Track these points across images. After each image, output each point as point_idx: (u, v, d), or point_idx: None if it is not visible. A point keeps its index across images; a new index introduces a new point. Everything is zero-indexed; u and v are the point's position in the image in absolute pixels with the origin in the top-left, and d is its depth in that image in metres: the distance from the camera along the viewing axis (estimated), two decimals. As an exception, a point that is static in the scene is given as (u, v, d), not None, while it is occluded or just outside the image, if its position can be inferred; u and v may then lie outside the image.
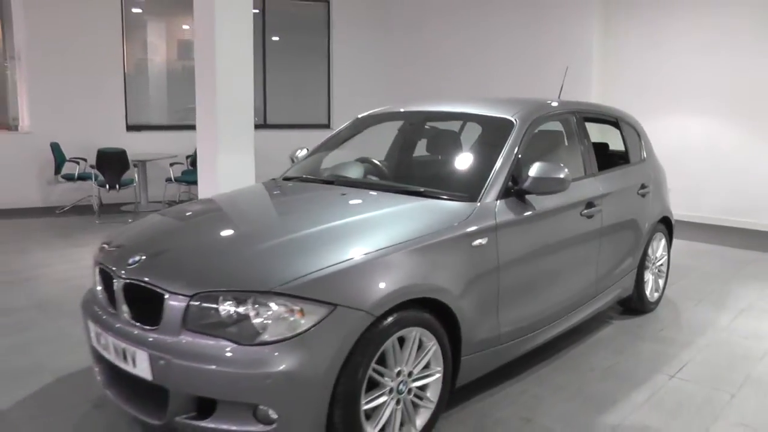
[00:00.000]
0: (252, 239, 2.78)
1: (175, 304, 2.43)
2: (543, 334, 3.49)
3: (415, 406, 2.74)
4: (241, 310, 2.36)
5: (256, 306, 2.35)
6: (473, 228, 2.96)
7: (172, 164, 8.49)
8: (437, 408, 2.81)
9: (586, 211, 3.72)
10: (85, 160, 8.32)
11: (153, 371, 2.46)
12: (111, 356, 2.67)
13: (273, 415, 2.33)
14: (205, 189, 6.04)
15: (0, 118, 9.09)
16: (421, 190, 3.27)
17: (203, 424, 2.42)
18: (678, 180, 5.24)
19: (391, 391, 2.59)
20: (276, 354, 2.30)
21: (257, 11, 9.98)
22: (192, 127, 9.51)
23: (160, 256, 2.74)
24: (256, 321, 2.34)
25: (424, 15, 10.54)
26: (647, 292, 4.56)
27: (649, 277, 4.57)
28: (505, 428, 2.98)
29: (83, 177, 8.20)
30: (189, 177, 8.55)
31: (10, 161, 8.55)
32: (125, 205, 8.82)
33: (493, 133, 3.58)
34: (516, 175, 3.31)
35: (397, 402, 2.63)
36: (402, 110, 4.28)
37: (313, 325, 2.33)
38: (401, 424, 2.67)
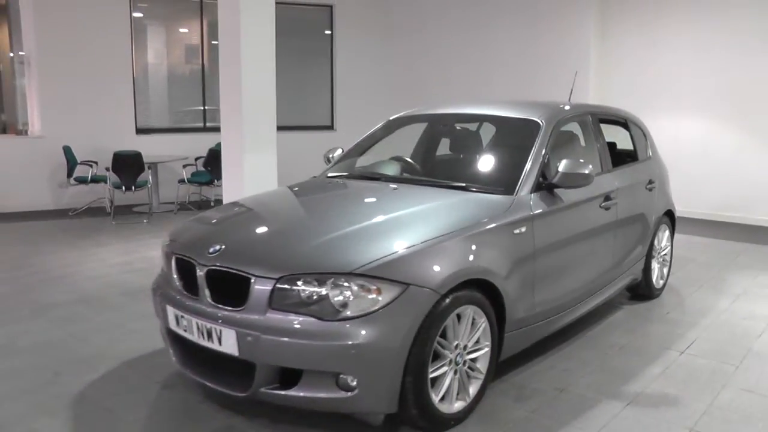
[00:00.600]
0: (323, 228, 3.09)
1: (261, 286, 2.73)
2: (569, 315, 3.85)
3: (468, 376, 3.06)
4: (324, 290, 2.67)
5: (339, 286, 2.66)
6: (514, 218, 3.31)
7: (185, 166, 8.73)
8: (486, 379, 3.14)
9: (604, 203, 4.09)
10: (96, 163, 8.52)
11: (240, 347, 2.75)
12: (193, 337, 2.96)
13: (353, 382, 2.65)
14: (230, 188, 6.31)
15: (10, 123, 9.26)
16: (463, 185, 3.61)
17: (289, 393, 2.73)
18: (673, 177, 5.62)
19: (450, 362, 2.92)
20: (359, 328, 2.62)
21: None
22: (199, 129, 9.93)
23: (239, 245, 3.03)
24: (339, 299, 2.66)
25: (424, 19, 10.88)
26: (654, 279, 4.95)
27: (655, 265, 4.96)
28: (543, 398, 3.33)
29: (96, 180, 8.40)
30: (201, 178, 8.81)
31: (23, 165, 8.72)
32: (137, 207, 9.04)
33: (522, 133, 3.93)
34: (544, 171, 3.66)
35: (455, 372, 2.96)
36: (432, 112, 4.62)
37: (390, 302, 2.65)
38: (457, 393, 3.00)
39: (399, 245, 2.84)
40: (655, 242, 4.91)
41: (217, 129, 9.79)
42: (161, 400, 3.33)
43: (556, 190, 3.66)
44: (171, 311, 3.09)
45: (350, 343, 2.61)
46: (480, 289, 3.03)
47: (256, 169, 6.26)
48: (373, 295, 2.66)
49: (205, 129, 9.97)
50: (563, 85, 9.14)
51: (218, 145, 9.15)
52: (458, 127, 4.57)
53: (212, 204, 9.35)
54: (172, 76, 10.22)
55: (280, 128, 10.44)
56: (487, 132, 4.38)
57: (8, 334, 4.26)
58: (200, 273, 2.94)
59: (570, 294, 3.81)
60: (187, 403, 3.26)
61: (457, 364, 2.96)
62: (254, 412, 3.11)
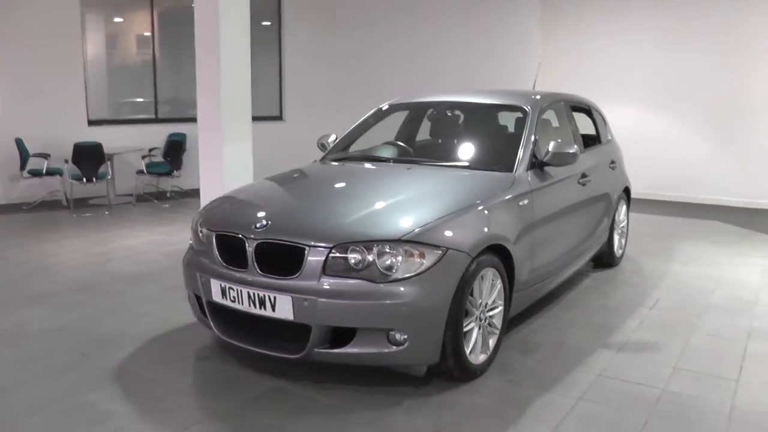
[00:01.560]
0: (361, 203, 3.40)
1: (315, 255, 3.01)
2: (558, 278, 4.33)
3: (488, 332, 3.45)
4: (374, 255, 2.98)
5: (388, 252, 2.98)
6: (519, 191, 3.73)
7: (144, 156, 8.68)
8: (500, 334, 3.54)
9: (581, 180, 4.59)
10: (49, 155, 8.32)
11: (295, 312, 3.02)
12: (243, 306, 3.19)
13: (403, 337, 2.97)
14: (209, 178, 6.43)
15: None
16: (467, 164, 4.00)
17: (343, 350, 3.02)
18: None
19: (476, 318, 3.30)
20: (408, 288, 2.95)
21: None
22: (151, 121, 9.83)
23: (285, 220, 3.29)
24: (388, 263, 2.97)
25: (372, 10, 11.18)
26: (615, 249, 5.53)
27: (615, 236, 5.54)
28: (546, 350, 3.77)
29: (51, 172, 8.23)
30: (160, 169, 8.77)
31: (-32, 158, 8.40)
32: (93, 199, 8.89)
33: (512, 118, 4.35)
34: (534, 151, 4.10)
35: (479, 328, 3.34)
36: (422, 100, 4.98)
37: (432, 265, 3.00)
38: (481, 346, 3.38)
39: (433, 215, 3.19)
40: (616, 216, 5.49)
41: (169, 120, 9.89)
42: (201, 369, 3.54)
43: (546, 168, 4.11)
44: (216, 284, 3.29)
45: (401, 301, 2.94)
46: (496, 254, 3.42)
47: (234, 159, 6.42)
48: (418, 259, 2.99)
49: (157, 120, 9.89)
50: (509, 75, 9.80)
51: (177, 135, 9.19)
52: (449, 114, 4.94)
53: (169, 195, 9.34)
54: (123, 66, 10.07)
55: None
56: (475, 117, 4.78)
57: (14, 322, 4.29)
58: (249, 247, 3.18)
59: (559, 259, 4.28)
60: (227, 371, 3.48)
61: (480, 320, 3.34)
62: (294, 375, 3.37)
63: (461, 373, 3.25)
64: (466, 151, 4.36)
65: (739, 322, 4.26)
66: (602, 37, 9.31)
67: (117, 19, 9.96)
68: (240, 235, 3.23)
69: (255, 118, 11.01)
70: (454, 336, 3.11)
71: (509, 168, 3.92)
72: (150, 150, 9.16)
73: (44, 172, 8.16)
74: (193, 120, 9.88)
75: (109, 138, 9.15)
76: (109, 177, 8.28)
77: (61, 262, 5.80)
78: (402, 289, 2.95)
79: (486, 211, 3.41)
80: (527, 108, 4.34)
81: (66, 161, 8.06)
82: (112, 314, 4.42)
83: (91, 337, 4.01)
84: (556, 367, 3.54)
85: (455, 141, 4.55)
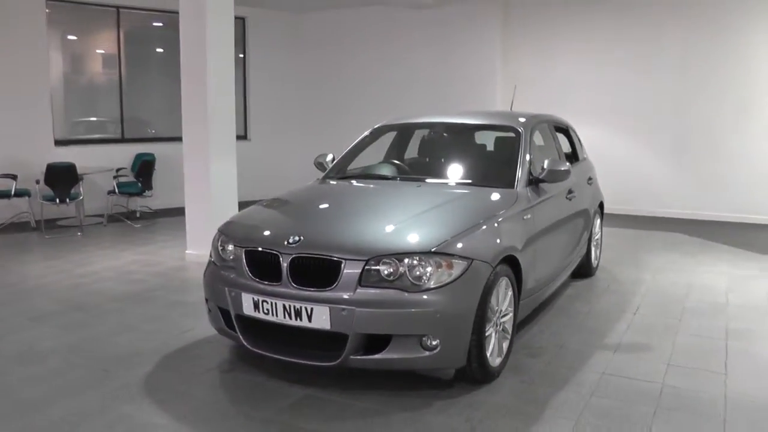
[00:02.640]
0: (386, 218, 3.61)
1: (351, 268, 3.20)
2: (552, 286, 4.64)
3: (502, 337, 3.70)
4: (406, 267, 3.19)
5: (420, 263, 3.20)
6: (523, 206, 4.02)
7: (115, 176, 8.60)
8: (511, 339, 3.80)
9: (568, 195, 4.93)
10: (17, 176, 8.13)
11: (332, 321, 3.19)
12: (277, 318, 3.33)
13: (435, 342, 3.19)
14: (195, 195, 6.52)
15: None
16: (470, 181, 4.27)
17: (379, 356, 3.21)
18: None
19: (494, 324, 3.54)
20: (439, 297, 3.17)
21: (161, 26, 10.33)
22: (117, 140, 9.74)
23: (317, 235, 3.46)
24: (419, 274, 3.19)
25: (337, 33, 11.43)
26: (592, 260, 5.91)
27: (592, 248, 5.92)
28: (550, 353, 4.04)
29: (20, 193, 8.05)
30: (131, 189, 8.71)
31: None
32: (61, 220, 8.72)
33: (506, 138, 4.67)
34: (530, 168, 4.41)
35: (495, 333, 3.58)
36: (416, 121, 5.24)
37: (460, 275, 3.23)
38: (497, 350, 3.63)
39: (456, 228, 3.44)
40: (593, 228, 5.88)
41: (135, 140, 9.83)
42: (229, 381, 3.64)
43: (540, 185, 4.43)
44: (248, 298, 3.42)
45: (434, 309, 3.16)
46: (507, 264, 3.69)
47: (220, 177, 6.53)
48: (447, 270, 3.22)
49: (123, 140, 9.80)
50: (472, 95, 10.21)
51: (147, 155, 9.14)
52: (445, 134, 5.21)
53: (138, 215, 9.26)
54: (89, 85, 9.96)
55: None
56: (469, 138, 5.08)
57: (22, 341, 4.27)
58: (284, 261, 3.33)
59: (554, 269, 4.59)
60: (255, 381, 3.60)
61: (496, 326, 3.59)
62: (322, 383, 3.52)
63: (482, 375, 3.48)
64: (467, 169, 4.63)
65: (716, 323, 4.66)
66: (564, 57, 9.84)
67: (83, 38, 9.86)
68: (274, 251, 3.38)
69: None
70: (478, 341, 3.34)
71: (510, 185, 4.21)
72: (117, 170, 9.07)
73: (13, 193, 7.97)
74: (161, 140, 10.07)
75: (75, 158, 8.98)
76: (81, 198, 8.16)
77: (49, 283, 5.73)
78: (434, 297, 3.17)
79: (500, 225, 3.68)
80: (520, 129, 4.65)
81: (37, 182, 7.91)
82: (120, 333, 4.45)
83: (106, 354, 4.05)
84: (562, 367, 3.82)
85: (453, 160, 4.81)
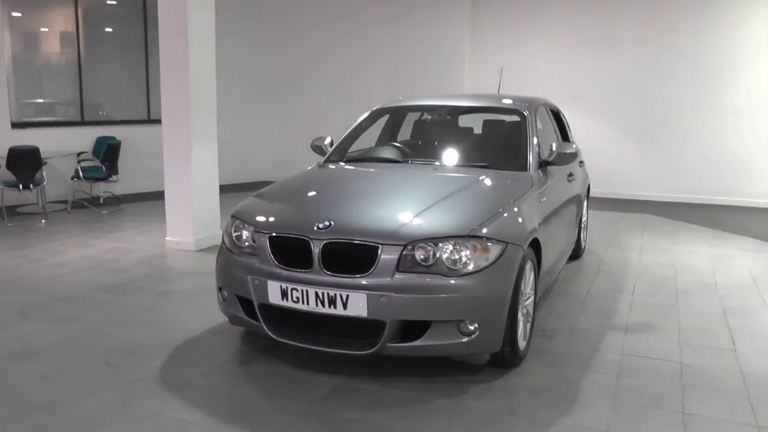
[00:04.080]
0: (415, 201, 3.54)
1: (389, 253, 3.12)
2: (557, 269, 4.67)
3: (526, 320, 3.70)
4: (445, 251, 3.13)
5: (459, 247, 3.14)
6: (540, 189, 4.02)
7: (80, 161, 8.16)
8: (532, 322, 3.81)
9: (569, 178, 4.97)
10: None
11: (369, 309, 3.11)
12: (308, 306, 3.22)
13: (473, 327, 3.15)
14: (177, 178, 6.26)
15: None
16: (483, 164, 4.23)
17: (417, 343, 3.15)
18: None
19: (521, 307, 3.53)
20: (478, 281, 3.13)
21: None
22: (77, 123, 9.24)
23: (348, 219, 3.35)
24: (460, 257, 3.14)
25: (302, 18, 11.17)
26: (581, 241, 6.01)
27: (581, 230, 6.01)
28: (564, 335, 4.08)
29: (-23, 179, 7.54)
30: (96, 174, 8.29)
31: None
32: (22, 207, 8.23)
33: (511, 121, 4.65)
34: (539, 151, 4.41)
35: (522, 316, 3.57)
36: (420, 104, 5.16)
37: (497, 258, 3.20)
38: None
39: (488, 212, 3.40)
40: (582, 211, 5.97)
41: (96, 122, 9.35)
42: (252, 373, 3.50)
43: (548, 167, 4.44)
44: (274, 286, 3.29)
45: (473, 294, 3.12)
46: (531, 246, 3.69)
47: (202, 160, 6.31)
48: (485, 253, 3.18)
49: (83, 122, 9.31)
50: (439, 78, 10.18)
51: (111, 139, 8.72)
52: (449, 117, 5.14)
53: (102, 201, 8.83)
54: (46, 66, 9.42)
55: (149, 122, 10.13)
56: (474, 120, 5.04)
57: (14, 337, 4.01)
58: (315, 248, 3.21)
59: (560, 251, 4.63)
60: (279, 372, 3.48)
61: (522, 309, 3.59)
62: (351, 372, 3.44)
63: (513, 359, 3.47)
64: (476, 152, 4.58)
65: (711, 301, 4.81)
66: (531, 42, 9.94)
67: (38, 16, 9.27)
68: (304, 237, 3.26)
69: None
70: (512, 324, 3.33)
71: (523, 167, 4.20)
72: (79, 154, 8.61)
73: (-31, 179, 7.47)
74: (124, 122, 9.60)
75: (34, 142, 8.49)
76: (45, 183, 7.70)
77: (24, 275, 5.39)
78: (473, 282, 3.13)
79: (525, 207, 3.66)
80: (525, 112, 4.65)
81: (-2, 167, 7.43)
82: (117, 325, 4.23)
83: (109, 348, 3.83)
84: (581, 349, 3.85)
85: (460, 143, 4.76)
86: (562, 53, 9.76)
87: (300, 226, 3.34)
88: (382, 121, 5.28)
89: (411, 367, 3.48)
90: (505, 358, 3.43)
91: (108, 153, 8.26)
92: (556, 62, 9.81)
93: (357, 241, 3.18)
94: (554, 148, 4.36)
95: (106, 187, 8.94)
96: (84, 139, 9.03)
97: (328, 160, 4.73)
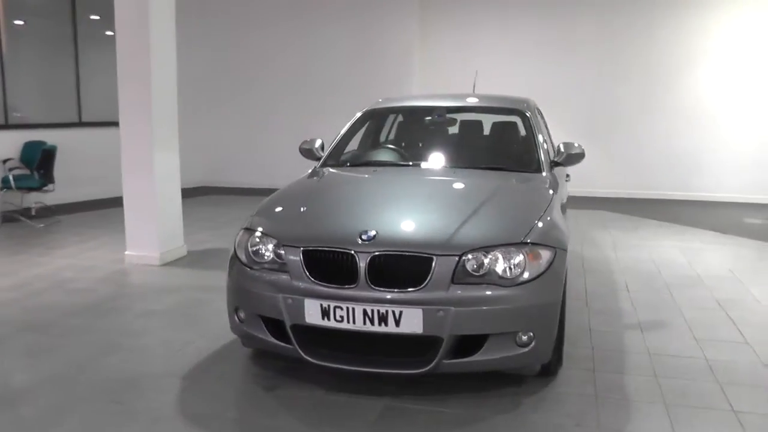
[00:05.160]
0: (451, 207, 3.38)
1: (444, 264, 2.92)
2: (564, 270, 4.65)
3: (559, 325, 3.61)
4: (500, 259, 2.98)
5: (513, 255, 2.99)
6: (557, 191, 3.94)
7: (9, 169, 7.37)
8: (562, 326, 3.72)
9: (567, 178, 4.96)
10: None
11: (426, 325, 2.90)
12: (353, 325, 2.96)
13: (529, 338, 3.01)
14: (138, 186, 5.78)
15: None
16: (499, 167, 4.12)
17: (474, 358, 2.97)
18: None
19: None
20: (535, 289, 2.99)
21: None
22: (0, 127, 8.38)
23: (393, 229, 3.12)
24: (514, 266, 2.99)
25: (252, 16, 10.72)
26: (563, 240, 6.04)
27: (562, 228, 6.04)
28: (583, 337, 4.02)
29: None
30: (30, 183, 7.52)
31: None
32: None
33: (513, 121, 4.57)
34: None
35: (560, 321, 3.48)
36: (417, 104, 4.99)
37: (549, 265, 3.07)
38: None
39: (531, 217, 3.27)
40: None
41: (21, 126, 8.52)
42: (287, 401, 3.18)
43: (556, 168, 4.39)
44: (313, 305, 3.01)
45: (531, 303, 2.98)
46: None
47: (164, 167, 5.84)
48: (538, 260, 3.05)
49: (7, 126, 8.43)
50: (391, 83, 10.07)
51: (45, 144, 7.95)
52: (437, 118, 4.95)
53: (34, 213, 8.03)
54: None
55: (80, 125, 9.38)
56: (476, 122, 4.93)
57: (-12, 376, 3.48)
58: (361, 261, 2.96)
59: None
60: (319, 398, 3.19)
61: (560, 310, 3.49)
62: (392, 392, 3.21)
63: (557, 368, 3.37)
64: (485, 154, 4.46)
65: (703, 294, 4.94)
66: (485, 44, 10.01)
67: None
68: (348, 250, 3.00)
69: (109, 123, 10.11)
70: (560, 332, 3.23)
71: (537, 169, 4.12)
72: (5, 161, 7.80)
73: None
74: (55, 126, 8.78)
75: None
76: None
77: (-26, 300, 4.76)
78: (529, 290, 2.99)
79: (556, 211, 3.56)
80: (527, 112, 4.57)
81: None
82: (104, 354, 3.77)
83: (104, 381, 3.40)
84: (608, 351, 3.80)
85: (466, 144, 4.63)
86: (516, 54, 9.88)
87: (341, 239, 3.08)
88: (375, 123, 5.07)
89: (449, 383, 3.29)
90: (551, 366, 3.32)
91: (43, 160, 7.52)
92: (506, 62, 9.91)
93: (409, 253, 2.96)
94: (562, 149, 4.31)
95: (37, 198, 8.14)
96: (8, 144, 8.19)
97: (326, 164, 4.46)
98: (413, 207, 3.47)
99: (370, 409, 3.07)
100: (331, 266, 3.04)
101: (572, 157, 4.29)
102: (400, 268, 2.97)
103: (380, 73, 10.14)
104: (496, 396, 3.20)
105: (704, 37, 9.30)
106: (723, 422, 2.99)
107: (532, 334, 3.01)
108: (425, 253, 2.94)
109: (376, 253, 2.97)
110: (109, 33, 10.01)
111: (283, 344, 3.19)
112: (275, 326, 3.22)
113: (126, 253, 5.90)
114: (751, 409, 3.11)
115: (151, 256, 5.78)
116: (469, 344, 2.99)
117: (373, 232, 3.05)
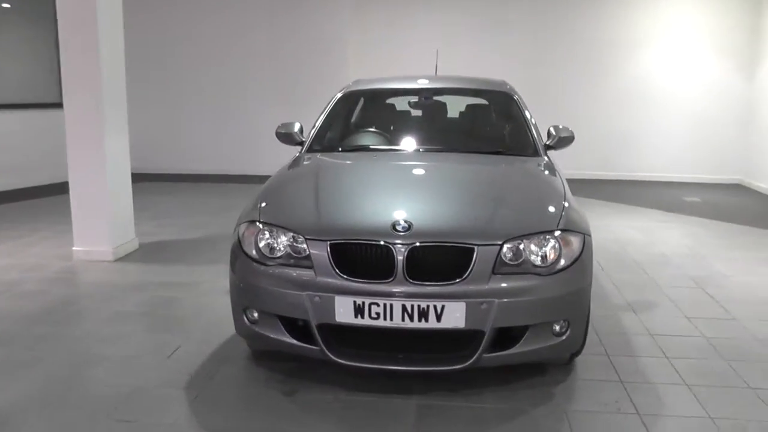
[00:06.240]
0: (477, 194, 3.30)
1: (485, 255, 2.80)
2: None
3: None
4: (538, 247, 2.90)
5: (549, 242, 2.92)
6: (563, 174, 3.90)
7: None
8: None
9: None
10: None
11: (468, 318, 2.77)
12: (390, 322, 2.79)
13: (564, 327, 2.95)
14: (88, 174, 5.26)
15: None
16: (498, 150, 4.03)
17: (514, 351, 2.88)
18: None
19: (587, 299, 3.40)
20: (572, 276, 2.94)
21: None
22: None
23: (428, 218, 2.97)
24: (550, 253, 2.91)
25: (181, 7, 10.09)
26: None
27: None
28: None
29: None
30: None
31: None
32: None
33: (504, 104, 4.50)
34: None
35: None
36: (399, 86, 4.79)
37: (581, 251, 3.02)
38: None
39: (555, 201, 3.21)
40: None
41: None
42: (313, 406, 2.96)
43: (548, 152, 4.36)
44: (346, 302, 2.80)
45: (571, 290, 2.92)
46: None
47: (115, 151, 5.37)
48: (570, 247, 2.99)
49: None
50: (328, 71, 9.81)
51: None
52: (429, 100, 4.79)
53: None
54: None
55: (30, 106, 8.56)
56: (459, 103, 4.79)
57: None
58: (398, 254, 2.78)
59: None
60: (345, 401, 3.00)
61: (577, 301, 3.46)
62: (418, 390, 3.07)
63: (577, 355, 3.34)
64: (481, 138, 4.35)
65: (676, 273, 5.11)
66: (420, 29, 9.92)
67: None
68: (384, 243, 2.80)
69: (23, 105, 9.22)
70: (588, 318, 3.19)
71: (535, 152, 4.07)
72: None
73: None
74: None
75: None
76: None
77: None
78: (566, 278, 2.93)
79: (570, 195, 3.52)
80: (514, 95, 4.51)
81: None
82: (86, 364, 3.38)
83: (99, 397, 3.04)
84: (610, 335, 3.82)
85: (458, 128, 4.51)
86: (451, 40, 9.83)
87: (373, 231, 2.87)
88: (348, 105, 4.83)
89: (476, 378, 3.17)
90: (576, 355, 3.29)
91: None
92: (439, 46, 9.86)
93: (449, 244, 2.81)
94: (554, 132, 4.28)
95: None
96: None
97: (312, 150, 4.20)
98: (440, 195, 3.32)
99: (405, 409, 2.91)
100: (362, 260, 2.85)
101: (563, 140, 4.27)
102: (439, 259, 2.82)
103: (311, 60, 9.88)
104: (526, 387, 3.13)
105: (640, 24, 9.64)
106: (744, 399, 3.07)
107: (567, 322, 2.96)
108: (468, 243, 2.80)
109: (417, 245, 2.80)
110: (5, 5, 9.16)
111: (306, 345, 2.97)
112: (294, 326, 2.99)
113: (74, 248, 5.36)
114: (763, 385, 3.21)
115: (103, 251, 5.28)
116: (505, 337, 2.89)
117: (407, 223, 2.87)
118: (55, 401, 3.00)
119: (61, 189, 8.52)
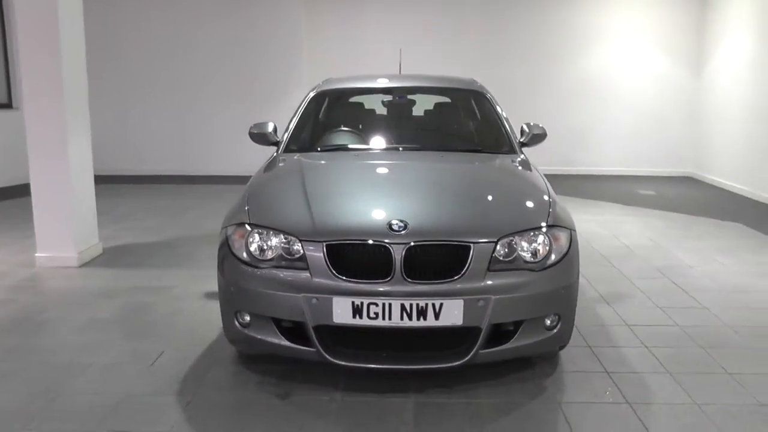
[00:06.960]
0: (466, 192, 3.33)
1: (481, 252, 2.84)
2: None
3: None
4: (529, 243, 2.96)
5: (540, 238, 2.99)
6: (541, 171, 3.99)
7: None
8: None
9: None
10: None
11: (465, 316, 2.81)
12: (389, 321, 2.80)
13: (550, 321, 3.02)
14: (47, 183, 5.04)
15: None
16: (475, 148, 4.08)
17: (508, 346, 2.93)
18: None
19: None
20: (562, 270, 3.01)
21: None
22: None
23: (423, 217, 2.98)
24: (540, 249, 2.97)
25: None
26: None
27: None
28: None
29: None
30: None
31: None
32: None
33: (478, 102, 4.55)
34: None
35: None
36: (368, 86, 4.79)
37: (569, 246, 3.09)
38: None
39: (542, 198, 3.27)
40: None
41: None
42: (310, 407, 2.94)
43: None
44: (344, 303, 2.79)
45: (562, 284, 3.00)
46: None
47: (78, 152, 5.20)
48: (559, 242, 3.05)
49: None
50: (284, 69, 9.73)
51: None
52: (400, 99, 4.78)
53: None
54: None
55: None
56: (430, 101, 4.81)
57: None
58: (396, 253, 2.78)
59: None
60: (341, 401, 2.98)
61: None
62: (416, 388, 3.09)
63: (563, 347, 3.41)
64: (456, 136, 4.38)
65: (641, 265, 5.28)
66: (373, 30, 9.96)
67: None
68: (381, 242, 2.80)
69: None
70: (576, 307, 3.27)
71: (512, 150, 4.14)
72: None
73: None
74: None
75: None
76: None
77: None
78: (557, 273, 2.99)
79: (552, 190, 3.59)
80: (486, 93, 4.57)
81: None
82: (68, 377, 3.24)
83: (87, 410, 2.93)
84: (588, 326, 3.93)
85: (433, 126, 4.53)
86: (406, 39, 9.87)
87: (370, 231, 2.87)
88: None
89: (468, 374, 3.21)
90: (563, 348, 3.36)
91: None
92: (393, 47, 9.92)
93: (446, 242, 2.83)
94: (527, 129, 4.36)
95: None
96: None
97: (289, 150, 4.15)
98: (431, 193, 3.34)
99: (403, 408, 2.92)
100: (358, 260, 2.84)
101: (536, 137, 4.36)
102: (434, 258, 2.84)
103: (266, 58, 9.78)
104: (518, 381, 3.19)
105: (593, 20, 9.90)
106: (725, 384, 3.20)
107: (558, 316, 3.04)
108: (464, 241, 2.83)
109: (412, 244, 2.81)
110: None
111: (301, 348, 2.94)
112: (288, 328, 2.96)
113: (37, 254, 5.14)
114: (740, 370, 3.36)
115: (67, 257, 5.09)
116: (498, 332, 2.94)
117: (403, 222, 2.88)
118: (40, 414, 2.88)
119: (11, 193, 8.21)
